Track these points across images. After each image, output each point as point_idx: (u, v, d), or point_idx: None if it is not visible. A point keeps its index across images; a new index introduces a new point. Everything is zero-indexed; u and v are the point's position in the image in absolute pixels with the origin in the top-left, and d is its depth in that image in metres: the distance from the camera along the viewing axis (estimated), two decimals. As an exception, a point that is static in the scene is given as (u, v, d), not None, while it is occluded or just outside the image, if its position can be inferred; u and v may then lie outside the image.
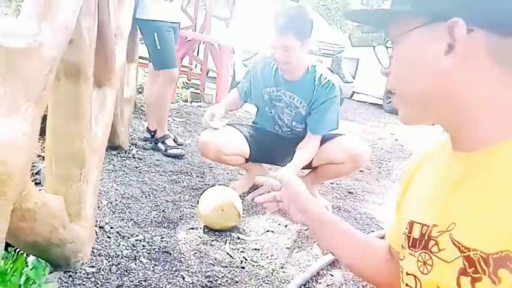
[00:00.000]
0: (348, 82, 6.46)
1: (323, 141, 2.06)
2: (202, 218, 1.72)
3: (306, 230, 1.86)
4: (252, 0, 6.81)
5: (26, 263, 1.12)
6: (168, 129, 2.92)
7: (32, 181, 1.82)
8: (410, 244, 0.67)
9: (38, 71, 0.79)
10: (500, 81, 0.56)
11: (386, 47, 0.66)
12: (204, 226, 1.71)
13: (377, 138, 4.65)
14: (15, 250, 1.12)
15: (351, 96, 9.14)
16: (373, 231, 2.01)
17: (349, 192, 2.58)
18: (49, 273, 1.15)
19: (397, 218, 0.81)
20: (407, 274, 0.67)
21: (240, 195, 2.11)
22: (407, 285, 0.68)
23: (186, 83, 5.39)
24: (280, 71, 2.03)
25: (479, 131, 0.58)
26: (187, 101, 4.73)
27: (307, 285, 1.44)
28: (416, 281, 0.65)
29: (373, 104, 9.13)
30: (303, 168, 2.14)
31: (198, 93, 4.93)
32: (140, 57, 3.59)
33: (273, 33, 1.90)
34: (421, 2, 0.60)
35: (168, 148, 2.69)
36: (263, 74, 2.10)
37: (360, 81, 7.52)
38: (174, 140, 2.89)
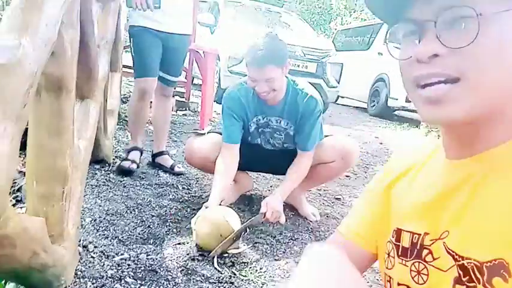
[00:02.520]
0: (333, 87, 6.51)
1: None
2: (204, 246, 1.61)
3: (295, 240, 1.85)
4: (236, 7, 6.82)
5: (5, 290, 1.07)
6: (152, 140, 2.85)
7: (13, 198, 1.76)
8: (400, 253, 0.66)
9: (17, 87, 0.75)
10: None
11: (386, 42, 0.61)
12: (192, 240, 1.67)
13: (362, 142, 4.67)
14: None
15: (336, 101, 9.24)
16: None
17: (337, 198, 2.58)
18: (30, 299, 1.10)
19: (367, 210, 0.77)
20: (399, 284, 0.66)
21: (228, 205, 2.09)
22: None
23: (171, 91, 5.34)
24: (262, 98, 1.96)
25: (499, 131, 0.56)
26: (172, 110, 4.68)
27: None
28: None
29: (358, 107, 9.22)
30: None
31: (184, 102, 4.89)
32: (124, 66, 3.53)
33: (252, 67, 1.83)
34: None
35: (122, 160, 2.47)
36: (246, 105, 2.01)
37: (345, 86, 7.58)
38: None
